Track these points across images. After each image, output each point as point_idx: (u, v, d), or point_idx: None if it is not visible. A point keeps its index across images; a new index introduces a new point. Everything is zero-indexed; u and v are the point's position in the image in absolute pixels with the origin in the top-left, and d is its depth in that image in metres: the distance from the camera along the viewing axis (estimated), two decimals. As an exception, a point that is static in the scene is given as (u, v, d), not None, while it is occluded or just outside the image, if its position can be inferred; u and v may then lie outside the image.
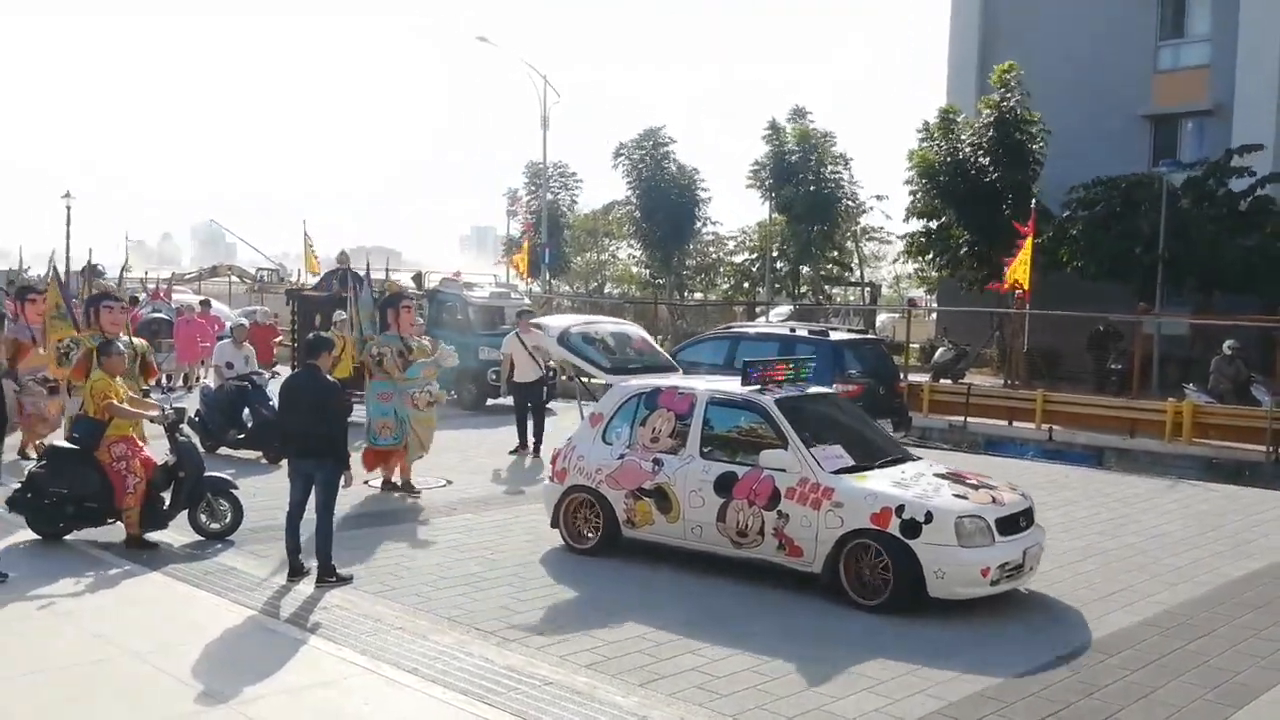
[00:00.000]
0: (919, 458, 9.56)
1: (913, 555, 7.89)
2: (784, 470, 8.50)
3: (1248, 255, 25.93)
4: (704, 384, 9.55)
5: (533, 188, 48.12)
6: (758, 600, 8.35)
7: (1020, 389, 22.33)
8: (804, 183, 38.16)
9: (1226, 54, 31.68)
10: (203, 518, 9.74)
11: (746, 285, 44.27)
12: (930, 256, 32.40)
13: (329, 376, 8.85)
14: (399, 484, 12.28)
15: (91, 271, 16.07)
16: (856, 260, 44.63)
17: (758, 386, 9.18)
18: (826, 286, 41.45)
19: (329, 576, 8.43)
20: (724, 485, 8.70)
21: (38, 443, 12.77)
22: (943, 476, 8.64)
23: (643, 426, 9.39)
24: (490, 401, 20.88)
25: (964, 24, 36.67)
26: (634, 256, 49.74)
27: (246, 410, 14.36)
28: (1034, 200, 26.48)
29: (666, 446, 9.18)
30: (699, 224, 44.23)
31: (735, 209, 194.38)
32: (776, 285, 41.53)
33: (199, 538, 9.66)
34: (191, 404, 13.99)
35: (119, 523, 9.42)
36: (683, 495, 8.88)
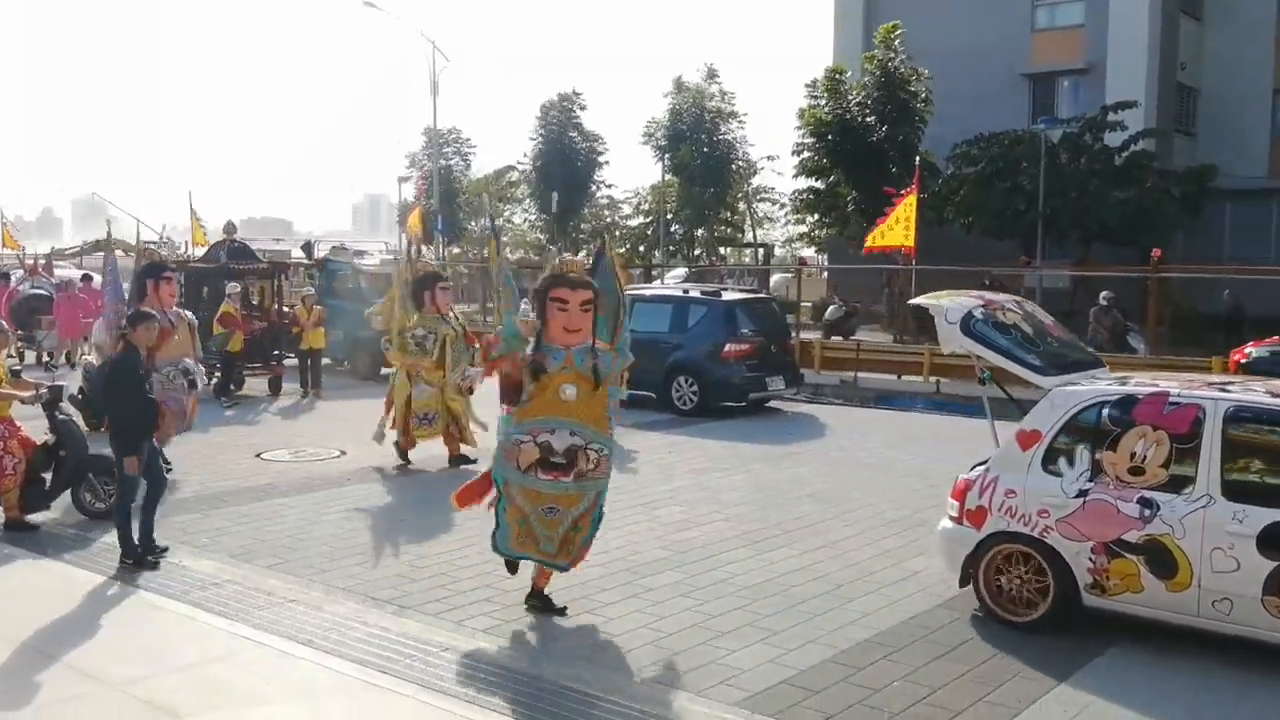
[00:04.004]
0: None
1: None
2: None
3: (1124, 208, 26.86)
4: (1211, 390, 6.68)
5: (428, 154, 47.58)
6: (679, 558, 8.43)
7: (908, 344, 22.82)
8: (698, 144, 38.37)
9: (1099, 13, 32.63)
10: (86, 497, 9.47)
11: (642, 249, 44.42)
12: (818, 216, 32.88)
13: (141, 353, 8.47)
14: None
15: None
16: (749, 222, 45.03)
17: None
18: (720, 248, 41.81)
19: (129, 558, 8.06)
20: (1278, 541, 6.09)
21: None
22: None
23: (1112, 451, 6.68)
24: (383, 370, 20.63)
25: (849, -17, 37.11)
26: (529, 221, 49.51)
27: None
28: (919, 158, 26.98)
29: (1158, 480, 6.49)
30: (594, 187, 44.29)
31: (630, 171, 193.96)
32: (671, 248, 41.72)
33: (83, 518, 9.40)
34: (75, 382, 13.56)
35: (-3, 505, 9.11)
36: (1196, 554, 6.28)
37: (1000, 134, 29.51)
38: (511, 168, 49.07)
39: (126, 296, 11.95)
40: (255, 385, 18.06)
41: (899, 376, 20.91)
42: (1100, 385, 7.03)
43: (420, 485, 11.06)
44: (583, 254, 46.01)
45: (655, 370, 16.06)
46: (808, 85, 32.03)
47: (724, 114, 40.24)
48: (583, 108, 43.24)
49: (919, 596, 7.55)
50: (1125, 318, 21.01)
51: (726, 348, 16.00)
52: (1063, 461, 6.86)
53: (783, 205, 42.42)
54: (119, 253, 22.63)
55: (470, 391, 12.16)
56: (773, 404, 16.86)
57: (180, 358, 11.44)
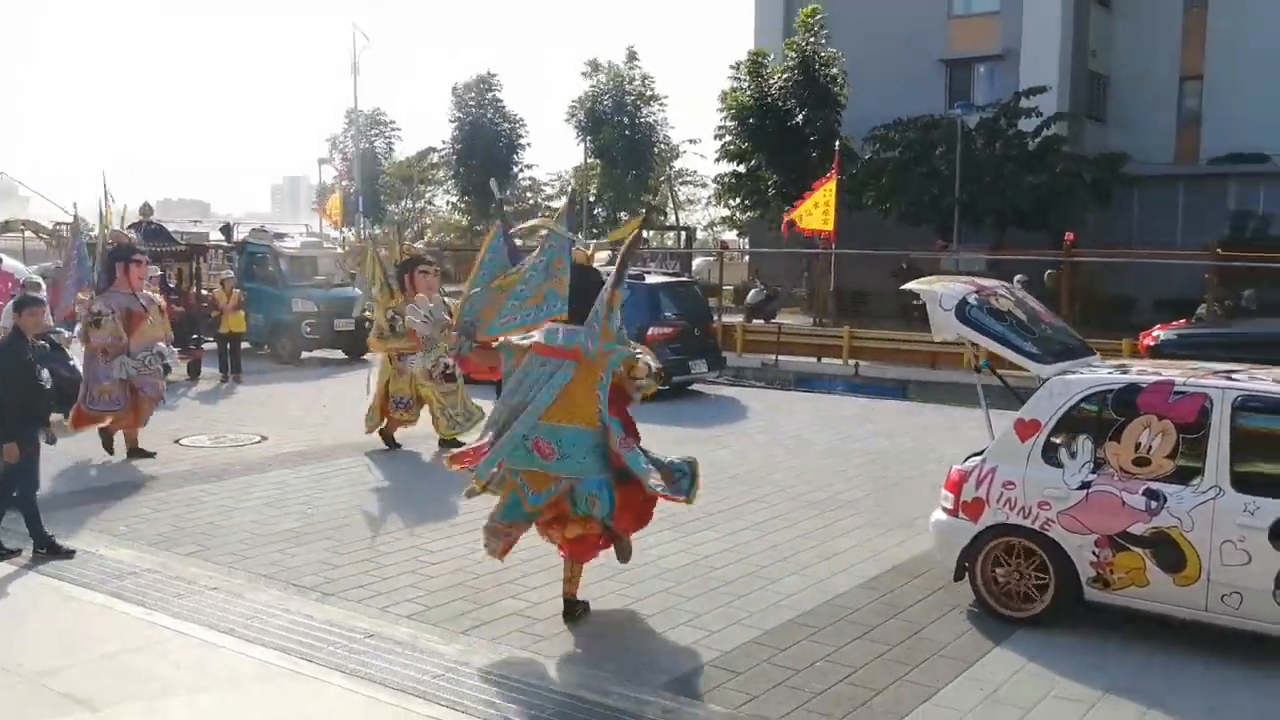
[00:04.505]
0: None
1: None
2: None
3: (1037, 192, 27.47)
4: (1217, 379, 6.50)
5: (349, 136, 46.93)
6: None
7: (828, 327, 23.13)
8: (619, 126, 38.38)
9: (1014, 0, 33.24)
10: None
11: (565, 230, 44.32)
12: (740, 199, 33.11)
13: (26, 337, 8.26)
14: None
15: None
16: (671, 205, 45.15)
17: None
18: (643, 231, 41.90)
19: (41, 547, 7.91)
20: None
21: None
22: None
23: (1115, 442, 6.50)
24: (304, 355, 20.38)
25: (770, -33, 37.28)
26: (452, 203, 49.14)
27: (45, 372, 13.56)
28: (839, 142, 27.29)
29: (1165, 472, 6.35)
30: (517, 169, 44.08)
31: (554, 152, 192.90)
32: (594, 230, 41.67)
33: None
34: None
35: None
36: (1205, 547, 6.14)
37: (917, 118, 29.97)
38: (433, 149, 48.65)
39: (95, 279, 11.61)
40: (173, 370, 17.66)
41: (819, 359, 21.23)
42: (1101, 374, 6.86)
43: (345, 470, 10.96)
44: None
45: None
46: (731, 68, 32.21)
47: (645, 97, 40.29)
48: (499, 89, 43.00)
49: (840, 577, 7.68)
50: (1039, 301, 21.51)
51: (650, 331, 16.03)
52: (1063, 452, 6.68)
53: (705, 188, 42.69)
54: (28, 233, 21.84)
55: (447, 378, 11.91)
56: (695, 387, 16.97)
57: (154, 341, 11.37)
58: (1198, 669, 6.11)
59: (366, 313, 12.62)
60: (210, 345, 18.39)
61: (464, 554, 8.04)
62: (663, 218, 43.80)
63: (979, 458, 7.10)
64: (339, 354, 21.80)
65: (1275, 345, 11.69)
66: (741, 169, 32.15)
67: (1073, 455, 6.65)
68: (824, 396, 17.56)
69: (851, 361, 20.57)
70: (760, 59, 31.51)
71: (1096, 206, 29.39)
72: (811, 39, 30.49)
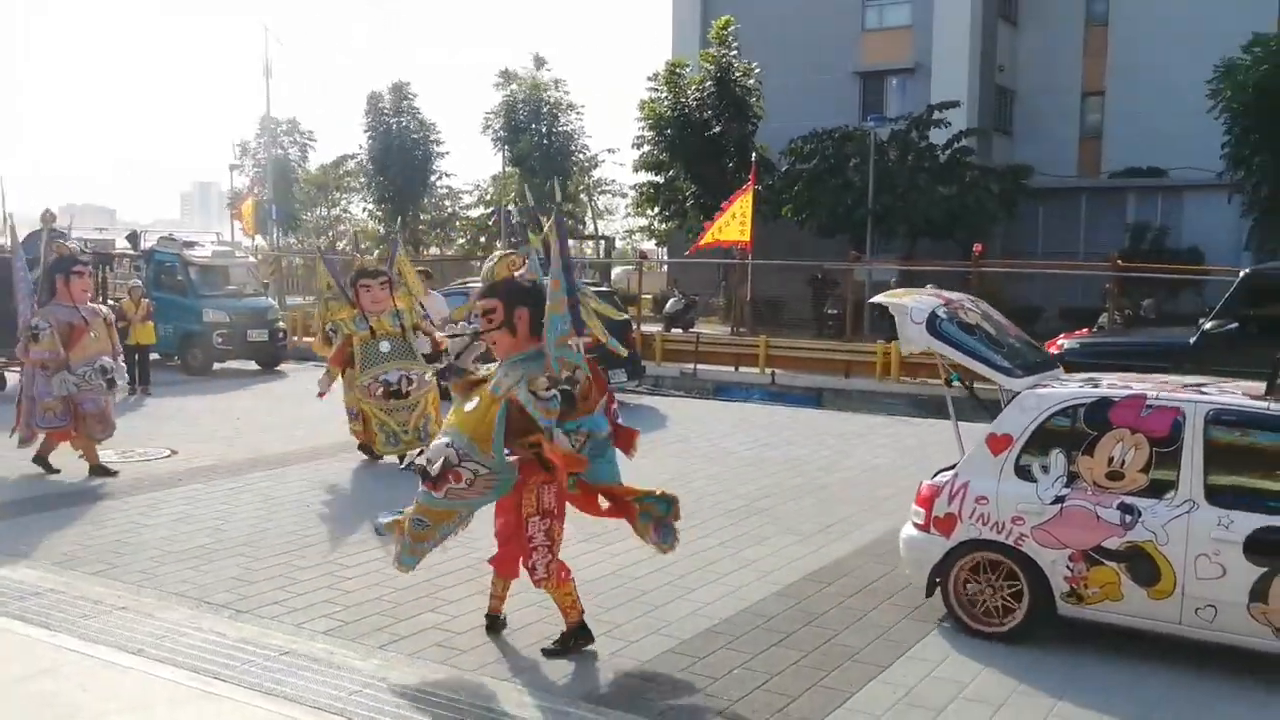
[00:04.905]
0: None
1: None
2: None
3: (947, 204, 28.10)
4: (1189, 392, 6.51)
5: (262, 142, 46.15)
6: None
7: (745, 336, 23.37)
8: (537, 134, 38.38)
9: (925, 14, 34.02)
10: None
11: (484, 240, 44.13)
12: (658, 209, 33.33)
13: None
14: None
15: None
16: (590, 214, 45.22)
17: None
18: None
19: None
20: (1265, 547, 5.99)
21: (83, 450, 11.25)
22: None
23: (1088, 456, 6.50)
24: (216, 366, 20.03)
25: (687, -21, 37.62)
26: (369, 211, 48.63)
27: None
28: (755, 153, 27.61)
29: (1138, 486, 6.35)
30: (434, 177, 43.84)
31: (474, 161, 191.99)
32: (514, 239, 41.55)
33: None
34: None
35: None
36: (1180, 560, 6.16)
37: (832, 130, 30.46)
38: (349, 157, 48.09)
39: (35, 292, 11.19)
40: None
41: (736, 368, 21.45)
42: (1072, 388, 6.81)
43: (258, 485, 10.78)
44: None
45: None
46: (649, 78, 32.38)
47: (562, 105, 40.33)
48: (413, 97, 42.75)
49: (756, 585, 7.78)
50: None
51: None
52: (1036, 467, 6.66)
53: (624, 197, 42.82)
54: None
55: (390, 395, 11.34)
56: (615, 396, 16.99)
57: (97, 356, 11.03)
58: (1095, 664, 6.30)
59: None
60: (117, 357, 17.93)
61: (382, 568, 7.97)
62: (582, 226, 43.84)
63: (950, 472, 7.07)
64: (252, 365, 21.48)
65: (1170, 354, 12.10)
66: (659, 179, 32.35)
67: (1045, 470, 6.63)
68: (741, 405, 17.75)
69: (768, 370, 20.81)
70: (677, 69, 31.74)
71: (1004, 217, 30.15)
72: (726, 51, 30.81)
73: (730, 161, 29.90)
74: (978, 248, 22.90)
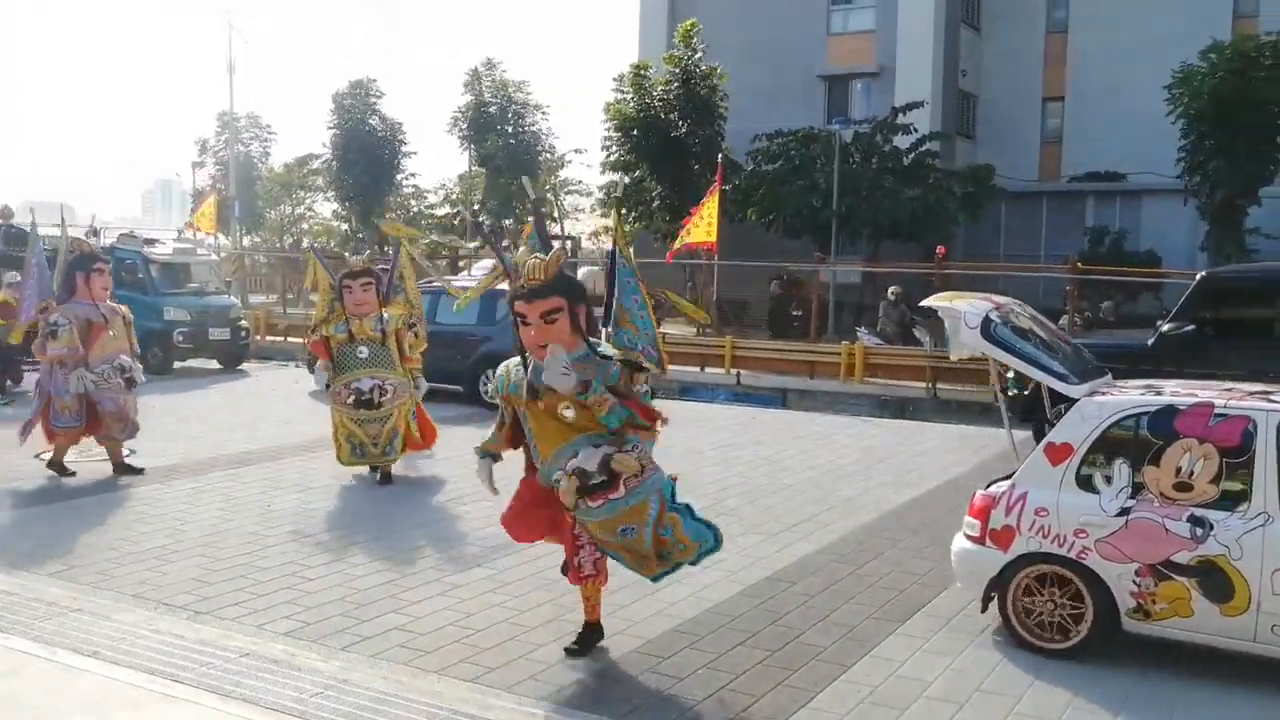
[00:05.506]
0: None
1: None
2: None
3: (911, 206, 28.29)
4: (1258, 400, 6.27)
5: (224, 139, 45.71)
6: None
7: (710, 337, 23.41)
8: (503, 134, 38.32)
9: (889, 19, 34.27)
10: None
11: (450, 239, 43.96)
12: (625, 210, 33.34)
13: None
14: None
15: None
16: (557, 214, 45.16)
17: None
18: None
19: None
20: None
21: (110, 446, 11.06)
22: None
23: (1154, 467, 6.24)
24: (177, 365, 19.82)
25: (653, -19, 37.69)
26: (335, 210, 48.32)
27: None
28: (721, 155, 27.69)
29: (1208, 498, 6.09)
30: (401, 175, 43.63)
31: (441, 161, 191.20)
32: (480, 239, 41.48)
33: None
34: None
35: None
36: (1255, 575, 5.92)
37: (796, 131, 30.61)
38: (314, 155, 47.76)
39: (55, 289, 10.97)
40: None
41: (702, 368, 21.48)
42: (1133, 395, 6.55)
43: (219, 485, 10.67)
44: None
45: (463, 363, 15.99)
46: (615, 80, 32.40)
47: (529, 105, 40.31)
48: (379, 95, 42.44)
49: (721, 585, 7.78)
50: (911, 311, 22.16)
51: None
52: (1099, 477, 6.39)
53: (590, 197, 42.83)
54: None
55: (360, 405, 10.72)
56: (580, 397, 16.96)
57: (116, 354, 10.89)
58: (1058, 663, 6.35)
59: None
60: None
61: (344, 568, 7.91)
62: (551, 220, 43.78)
63: (1006, 482, 6.84)
64: (214, 364, 21.27)
65: (1128, 356, 12.21)
66: (626, 180, 32.38)
67: (1109, 480, 6.37)
68: (706, 405, 17.78)
69: (733, 371, 20.86)
70: (642, 71, 31.78)
71: (967, 219, 30.40)
72: (690, 53, 30.90)
73: (696, 163, 29.97)
74: (940, 250, 23.07)
